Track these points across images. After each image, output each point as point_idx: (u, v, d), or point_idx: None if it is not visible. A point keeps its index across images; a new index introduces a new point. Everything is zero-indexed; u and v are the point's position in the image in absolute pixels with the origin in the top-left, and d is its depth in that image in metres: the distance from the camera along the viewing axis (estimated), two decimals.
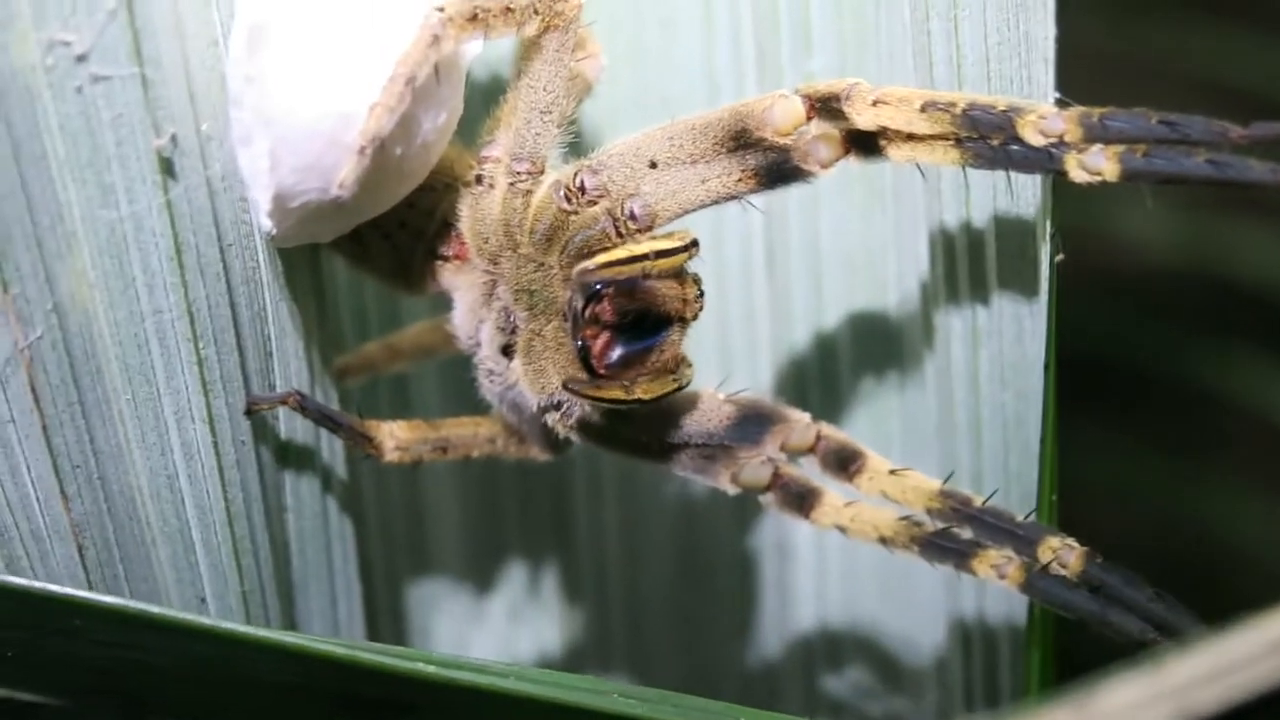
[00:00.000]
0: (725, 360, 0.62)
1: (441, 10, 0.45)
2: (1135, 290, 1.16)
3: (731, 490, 0.51)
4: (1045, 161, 0.45)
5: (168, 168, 0.45)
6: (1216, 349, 1.08)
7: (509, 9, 0.47)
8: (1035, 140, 0.45)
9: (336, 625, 0.57)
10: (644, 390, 0.48)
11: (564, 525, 0.66)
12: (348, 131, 0.45)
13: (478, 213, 0.50)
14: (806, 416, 0.51)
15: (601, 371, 0.48)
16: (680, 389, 0.49)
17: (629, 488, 0.65)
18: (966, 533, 0.48)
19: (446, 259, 0.52)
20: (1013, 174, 0.48)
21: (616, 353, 0.48)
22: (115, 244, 0.45)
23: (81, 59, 0.43)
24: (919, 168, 0.48)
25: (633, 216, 0.49)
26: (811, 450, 0.51)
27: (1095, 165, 0.45)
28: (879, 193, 0.58)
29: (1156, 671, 0.36)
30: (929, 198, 0.54)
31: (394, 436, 0.52)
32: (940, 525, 0.49)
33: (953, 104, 0.46)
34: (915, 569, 0.51)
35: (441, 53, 0.46)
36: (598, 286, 0.47)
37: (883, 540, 0.49)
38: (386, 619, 0.66)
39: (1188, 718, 0.35)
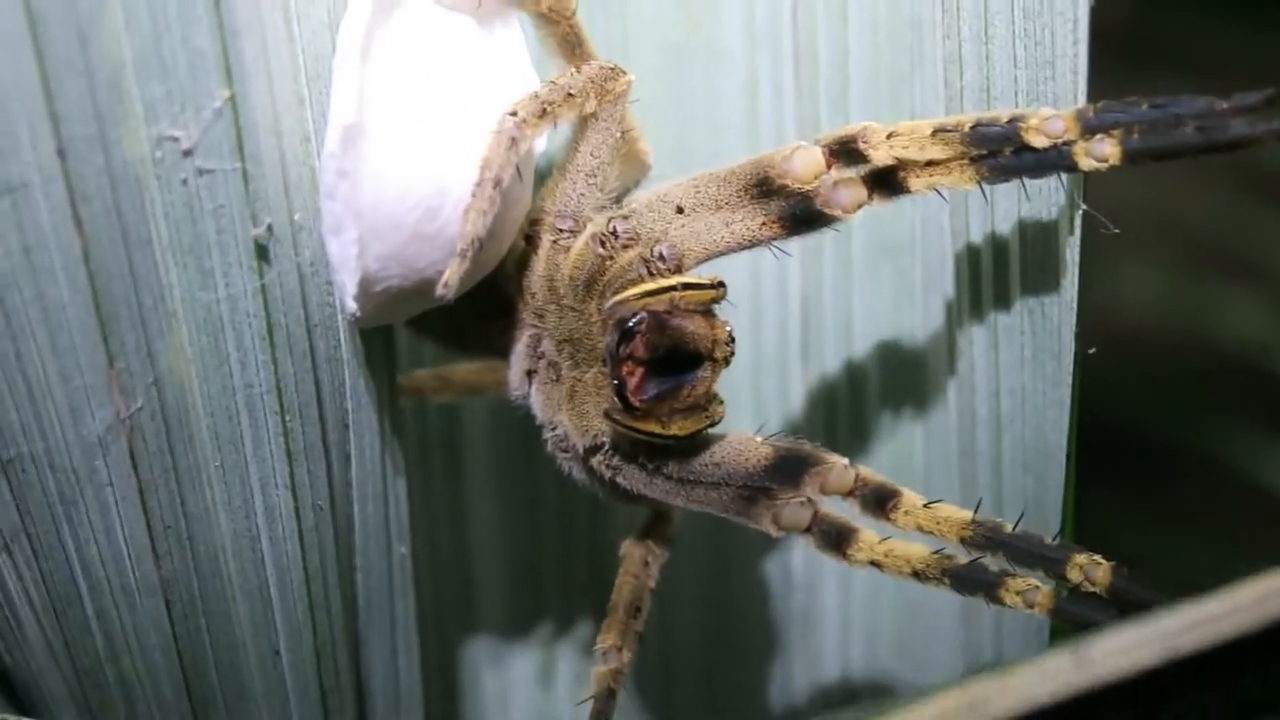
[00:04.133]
0: (759, 407, 0.65)
1: (515, 114, 0.49)
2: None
3: (774, 532, 0.53)
4: (1056, 160, 0.49)
5: (263, 254, 0.49)
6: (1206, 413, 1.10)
7: (570, 95, 0.51)
8: (1041, 143, 0.49)
9: (397, 675, 0.60)
10: (679, 426, 0.51)
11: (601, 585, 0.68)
12: (429, 224, 0.49)
13: (524, 271, 0.54)
14: (844, 460, 0.53)
15: (637, 405, 0.50)
16: (713, 424, 0.52)
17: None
18: (996, 565, 0.51)
19: (497, 319, 0.55)
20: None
21: (651, 388, 0.50)
22: (212, 323, 0.49)
23: (188, 153, 0.46)
24: (941, 194, 0.51)
25: (662, 257, 0.52)
26: (850, 493, 0.53)
27: (1100, 152, 0.48)
28: (909, 284, 0.61)
29: (1147, 621, 0.39)
30: (958, 286, 0.57)
31: None
32: (972, 557, 0.51)
33: (960, 124, 0.49)
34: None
35: (520, 153, 0.49)
36: (630, 323, 0.50)
37: (916, 574, 0.52)
38: (435, 675, 0.69)
39: (1173, 656, 0.39)
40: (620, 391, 0.50)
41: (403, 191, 0.49)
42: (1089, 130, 0.48)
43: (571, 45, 0.54)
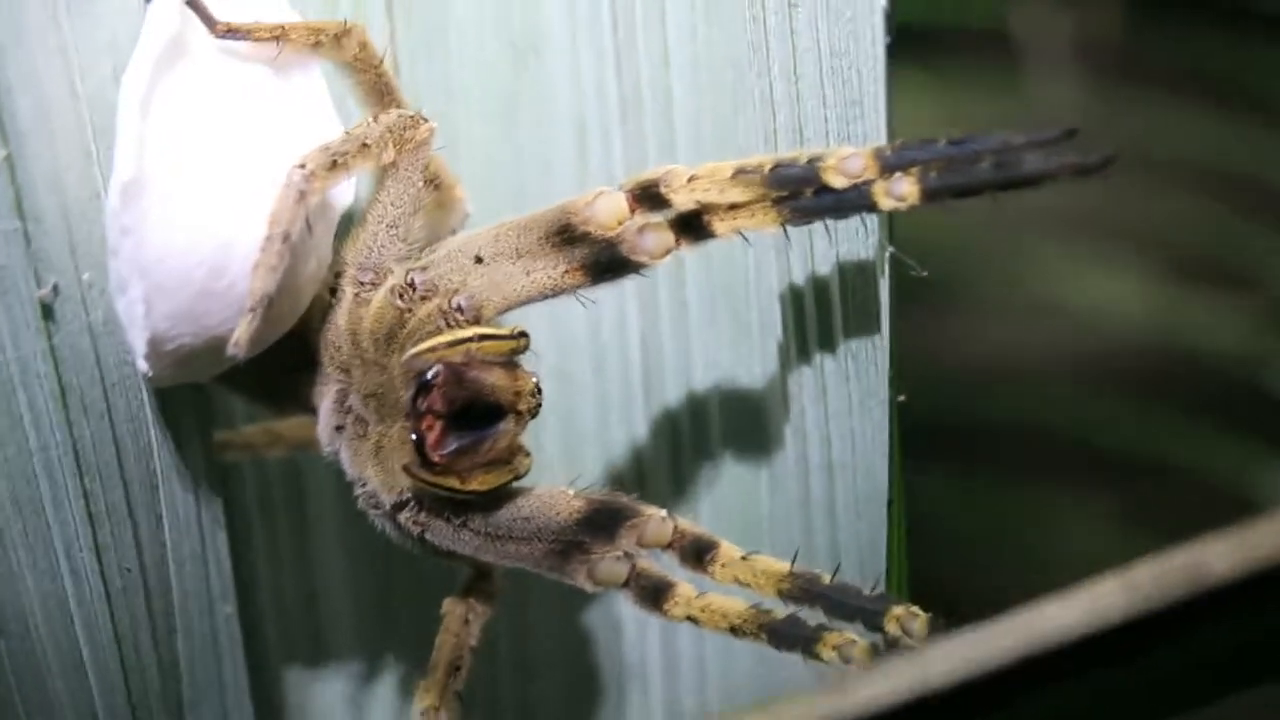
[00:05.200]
0: (606, 452, 0.64)
1: (303, 166, 0.48)
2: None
3: (589, 588, 0.52)
4: (855, 200, 0.48)
5: (49, 314, 0.48)
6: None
7: (365, 145, 0.50)
8: (840, 183, 0.48)
9: None
10: (480, 481, 0.50)
11: None
12: (217, 281, 0.48)
13: (328, 325, 0.53)
14: (662, 511, 0.52)
15: (436, 460, 0.49)
16: (518, 478, 0.51)
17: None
18: (816, 616, 0.50)
19: (305, 373, 0.54)
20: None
21: (450, 443, 0.49)
22: (2, 385, 0.48)
23: None
24: (744, 236, 0.50)
25: (459, 309, 0.51)
26: (669, 545, 0.52)
27: (899, 191, 0.48)
28: (745, 326, 0.60)
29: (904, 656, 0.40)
30: (785, 330, 0.57)
31: None
32: (790, 609, 0.50)
33: (760, 166, 0.48)
34: None
35: (309, 206, 0.48)
36: (427, 376, 0.49)
37: (733, 630, 0.50)
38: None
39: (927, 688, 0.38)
40: (419, 446, 0.50)
41: (188, 248, 0.48)
42: (887, 169, 0.48)
43: (380, 94, 0.53)
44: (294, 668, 0.66)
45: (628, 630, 0.65)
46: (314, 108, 0.52)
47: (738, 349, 0.59)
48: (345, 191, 0.52)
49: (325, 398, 0.53)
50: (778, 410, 0.59)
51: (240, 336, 0.48)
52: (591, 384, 0.62)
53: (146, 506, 0.53)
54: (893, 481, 0.55)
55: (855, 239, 0.53)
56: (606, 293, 0.58)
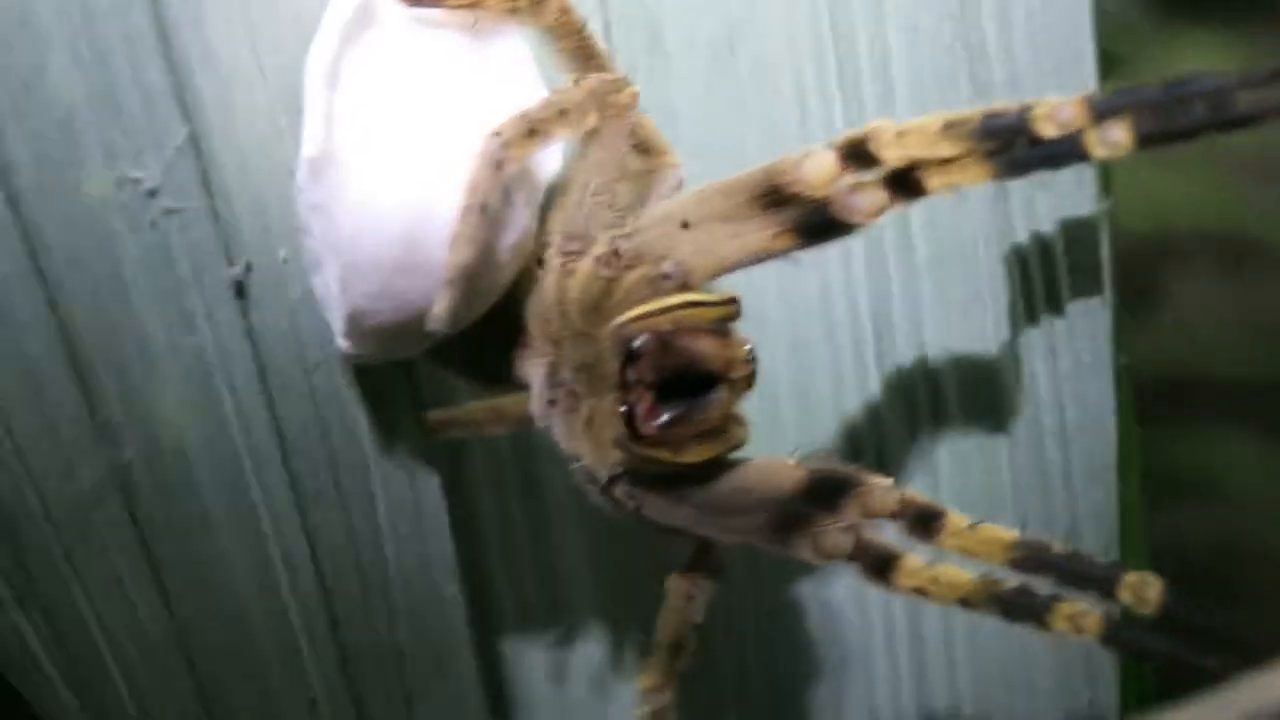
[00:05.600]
0: (843, 424, 0.62)
1: (499, 134, 0.46)
2: None
3: (815, 561, 0.50)
4: (1068, 149, 0.45)
5: (243, 293, 0.47)
6: None
7: (564, 112, 0.48)
8: (1051, 132, 0.44)
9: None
10: (693, 452, 0.48)
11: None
12: (414, 255, 0.47)
13: (536, 296, 0.51)
14: (887, 480, 0.49)
15: (647, 432, 0.48)
16: (732, 449, 0.49)
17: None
18: (1046, 587, 0.47)
19: (515, 347, 0.52)
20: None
21: (661, 413, 0.47)
22: (201, 368, 0.47)
23: (153, 194, 0.45)
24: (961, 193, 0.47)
25: (666, 276, 0.49)
26: (894, 515, 0.49)
27: (1112, 138, 0.44)
28: (977, 290, 0.57)
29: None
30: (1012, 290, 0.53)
31: None
32: (1019, 581, 0.47)
33: (969, 118, 0.45)
34: None
35: (506, 176, 0.47)
36: (634, 345, 0.47)
37: (963, 601, 0.48)
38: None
39: None
40: (630, 418, 0.48)
41: (380, 223, 0.46)
42: (1099, 115, 0.44)
43: (584, 59, 0.51)
44: (529, 651, 0.64)
45: (872, 604, 0.63)
46: (515, 74, 0.50)
47: (968, 312, 0.56)
48: (550, 159, 0.50)
49: (537, 371, 0.51)
50: (1010, 374, 0.56)
51: (439, 311, 0.46)
52: (825, 353, 0.59)
53: (357, 488, 0.52)
54: (1123, 444, 0.51)
55: (1073, 192, 0.50)
56: (835, 260, 0.56)
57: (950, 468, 0.59)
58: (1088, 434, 0.54)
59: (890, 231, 0.55)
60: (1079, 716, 0.60)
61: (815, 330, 0.59)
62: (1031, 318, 0.53)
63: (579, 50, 0.51)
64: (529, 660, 0.64)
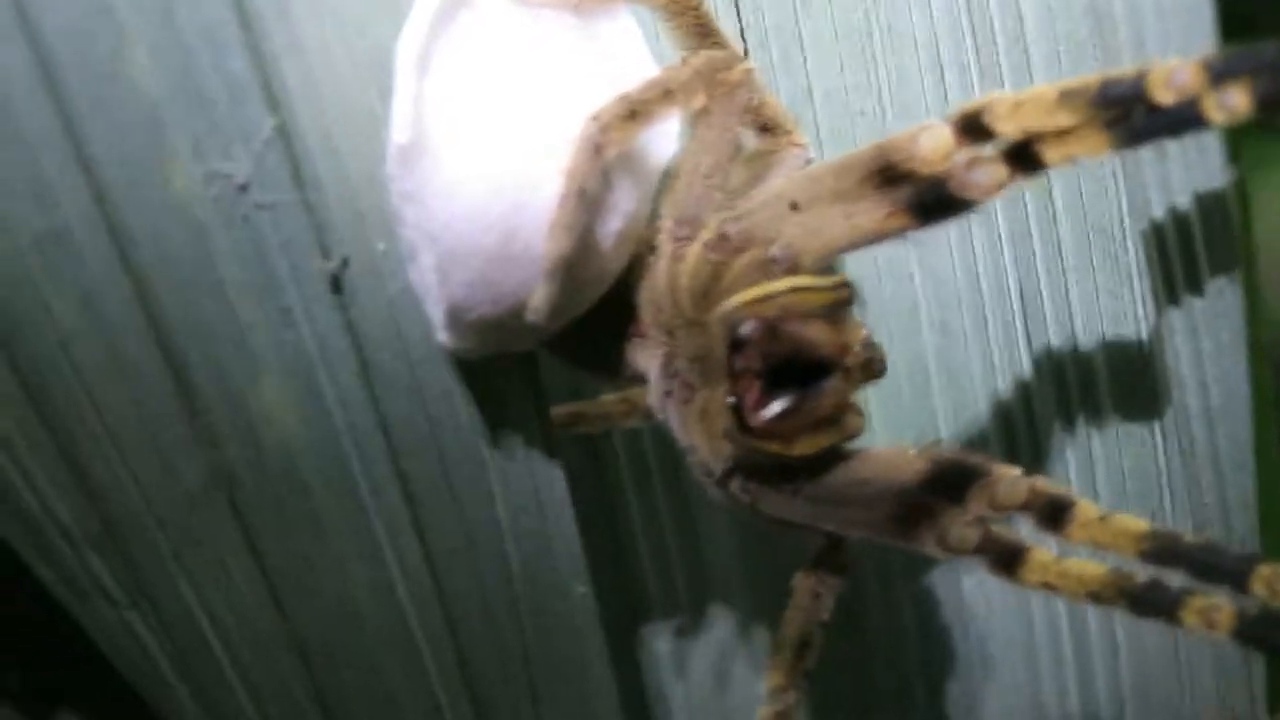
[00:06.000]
0: (996, 407, 0.59)
1: (597, 118, 0.45)
2: None
3: (939, 554, 0.47)
4: (1187, 115, 0.42)
5: (339, 287, 0.46)
6: None
7: (668, 92, 0.46)
8: (1168, 99, 0.41)
9: None
10: (806, 444, 0.46)
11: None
12: (511, 244, 0.45)
13: (648, 284, 0.49)
14: (1016, 470, 0.47)
15: (756, 424, 0.45)
16: (848, 439, 0.47)
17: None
18: (1177, 580, 0.44)
19: (630, 337, 0.50)
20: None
21: (771, 404, 0.45)
22: (302, 364, 0.46)
23: (244, 188, 0.44)
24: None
25: (775, 260, 0.46)
26: (1024, 506, 0.46)
27: (1230, 103, 0.41)
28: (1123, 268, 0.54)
29: None
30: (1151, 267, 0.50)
31: None
32: (1150, 574, 0.45)
33: (1086, 87, 0.42)
34: None
35: (606, 160, 0.45)
36: (740, 333, 0.45)
37: (1092, 596, 0.45)
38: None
39: None
40: (738, 409, 0.45)
41: (474, 212, 0.45)
42: (1217, 79, 0.41)
43: (701, 37, 0.49)
44: (677, 649, 0.63)
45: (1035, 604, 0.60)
46: (624, 53, 0.48)
47: (1115, 293, 0.53)
48: (666, 141, 0.48)
49: (653, 362, 0.49)
50: (1158, 355, 0.53)
51: (537, 303, 0.45)
52: (974, 337, 0.57)
53: (472, 485, 0.50)
54: (1262, 428, 0.48)
55: (1202, 162, 0.46)
56: (980, 241, 0.53)
57: (1102, 452, 0.56)
58: (1231, 417, 0.50)
59: (1033, 211, 0.52)
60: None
61: (964, 315, 0.57)
62: (1172, 297, 0.50)
63: (695, 27, 0.49)
64: (676, 658, 0.62)
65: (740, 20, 0.55)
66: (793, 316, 0.45)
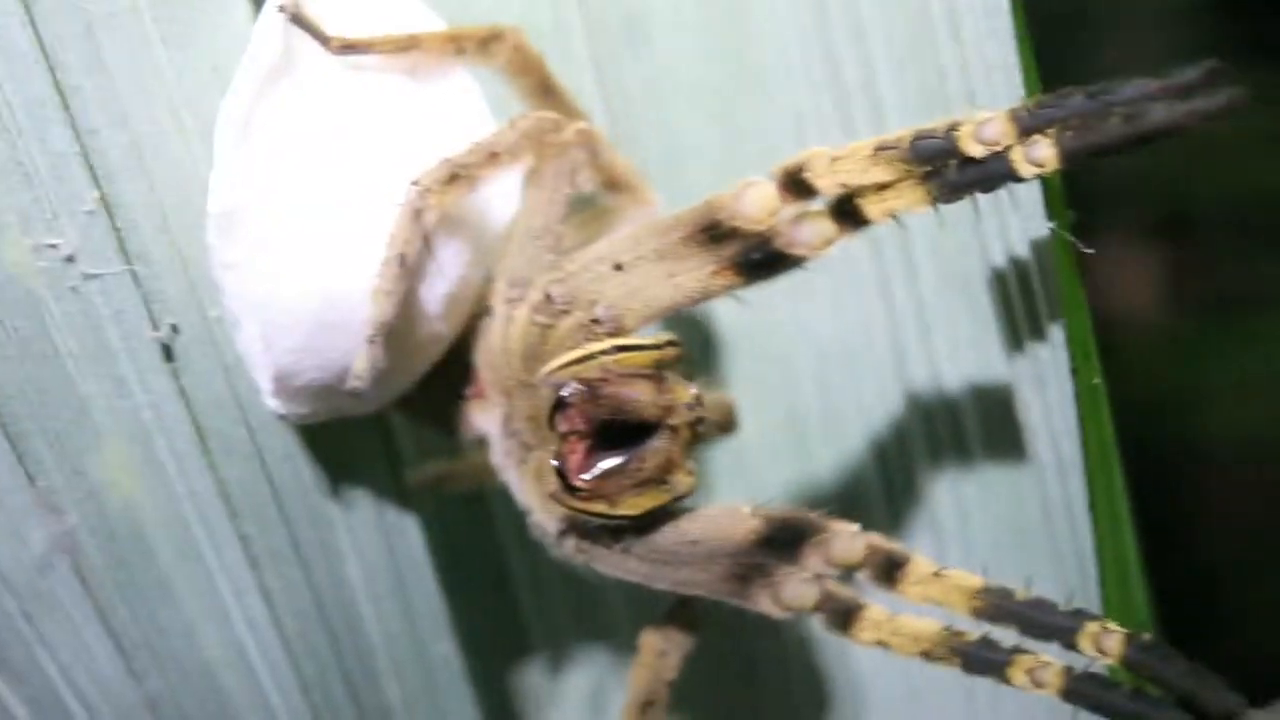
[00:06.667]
0: (878, 459, 0.60)
1: (417, 182, 0.45)
2: None
3: (776, 613, 0.47)
4: (999, 170, 0.42)
5: (170, 355, 0.46)
6: None
7: (493, 154, 0.46)
8: (978, 151, 0.42)
9: None
10: (630, 504, 0.46)
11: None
12: (332, 311, 0.46)
13: (484, 345, 0.49)
14: (854, 526, 0.47)
15: (580, 484, 0.45)
16: (676, 499, 0.46)
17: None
18: (1009, 637, 0.44)
19: (470, 398, 0.51)
20: None
21: (595, 464, 0.45)
22: (140, 432, 0.47)
23: (70, 259, 0.45)
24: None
25: (598, 321, 0.47)
26: (860, 563, 0.46)
27: (1037, 157, 0.42)
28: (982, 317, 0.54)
29: None
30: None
31: None
32: (982, 630, 0.45)
33: (899, 140, 0.43)
34: None
35: (426, 225, 0.45)
36: (562, 394, 0.45)
37: (924, 654, 0.45)
38: None
39: None
40: (560, 470, 0.46)
41: (295, 280, 0.45)
42: (1025, 130, 0.41)
43: (543, 95, 0.50)
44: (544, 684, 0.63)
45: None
46: (462, 115, 0.48)
47: (977, 343, 0.54)
48: (505, 202, 0.49)
49: (493, 422, 0.50)
50: (1021, 405, 0.53)
51: (359, 369, 0.45)
52: (847, 389, 0.57)
53: (318, 546, 0.51)
54: (1098, 481, 0.48)
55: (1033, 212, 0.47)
56: (850, 296, 0.54)
57: (977, 500, 0.57)
58: (1080, 467, 0.50)
59: (896, 260, 0.53)
60: None
61: (838, 367, 0.57)
62: (1018, 346, 0.51)
63: (538, 88, 0.50)
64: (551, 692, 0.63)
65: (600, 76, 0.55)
66: (614, 377, 0.46)
